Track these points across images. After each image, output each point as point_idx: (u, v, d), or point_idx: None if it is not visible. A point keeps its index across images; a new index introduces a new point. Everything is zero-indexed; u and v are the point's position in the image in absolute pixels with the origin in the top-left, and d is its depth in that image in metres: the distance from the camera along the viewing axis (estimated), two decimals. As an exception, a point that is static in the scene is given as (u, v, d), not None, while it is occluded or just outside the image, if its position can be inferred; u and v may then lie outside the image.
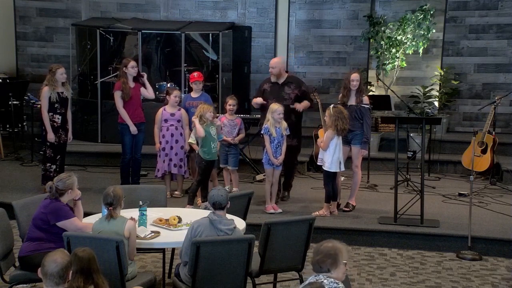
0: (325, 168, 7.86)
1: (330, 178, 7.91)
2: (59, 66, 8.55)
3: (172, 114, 8.64)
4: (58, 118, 8.52)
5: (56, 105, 8.46)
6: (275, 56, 11.98)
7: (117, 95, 8.63)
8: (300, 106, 8.42)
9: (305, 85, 8.85)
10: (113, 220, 5.23)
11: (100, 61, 11.30)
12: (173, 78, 11.44)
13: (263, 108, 8.44)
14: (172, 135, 8.63)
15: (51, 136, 8.50)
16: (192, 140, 8.17)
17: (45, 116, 8.46)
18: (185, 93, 11.09)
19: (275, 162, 7.99)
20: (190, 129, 8.40)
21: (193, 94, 8.92)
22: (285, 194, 8.77)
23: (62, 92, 8.52)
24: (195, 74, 8.97)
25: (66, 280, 3.94)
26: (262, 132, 8.01)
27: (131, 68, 8.63)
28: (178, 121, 8.65)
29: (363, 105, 8.04)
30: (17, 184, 9.39)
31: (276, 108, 7.87)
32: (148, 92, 8.82)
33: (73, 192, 5.53)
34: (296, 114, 8.52)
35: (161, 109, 8.71)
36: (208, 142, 7.98)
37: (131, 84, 8.68)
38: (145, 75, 8.88)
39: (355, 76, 8.05)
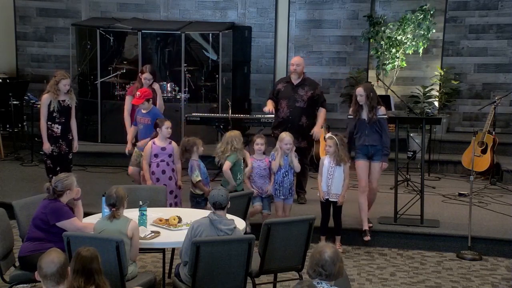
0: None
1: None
2: (64, 76, 7.97)
3: (163, 148, 7.38)
4: (57, 128, 8.03)
5: (54, 114, 7.98)
6: (275, 56, 12.00)
7: (127, 99, 8.42)
8: (317, 130, 8.28)
9: (321, 88, 8.61)
10: (116, 220, 5.23)
11: (100, 61, 11.30)
12: (173, 78, 11.45)
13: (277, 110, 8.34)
14: (163, 171, 7.35)
15: (46, 146, 8.05)
16: (198, 178, 7.04)
17: (42, 125, 8.01)
18: (185, 93, 11.14)
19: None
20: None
21: (143, 109, 8.05)
22: (301, 196, 8.53)
23: (64, 100, 8.00)
24: (138, 93, 7.95)
25: (66, 277, 3.94)
26: (269, 159, 7.43)
27: (144, 79, 8.36)
28: (170, 155, 7.40)
29: (380, 116, 7.49)
30: (17, 184, 9.38)
31: (284, 137, 7.28)
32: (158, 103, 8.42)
33: (72, 193, 5.53)
34: (307, 116, 8.31)
35: (150, 143, 7.44)
36: (235, 174, 7.26)
37: None
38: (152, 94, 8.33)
39: (358, 91, 7.44)
